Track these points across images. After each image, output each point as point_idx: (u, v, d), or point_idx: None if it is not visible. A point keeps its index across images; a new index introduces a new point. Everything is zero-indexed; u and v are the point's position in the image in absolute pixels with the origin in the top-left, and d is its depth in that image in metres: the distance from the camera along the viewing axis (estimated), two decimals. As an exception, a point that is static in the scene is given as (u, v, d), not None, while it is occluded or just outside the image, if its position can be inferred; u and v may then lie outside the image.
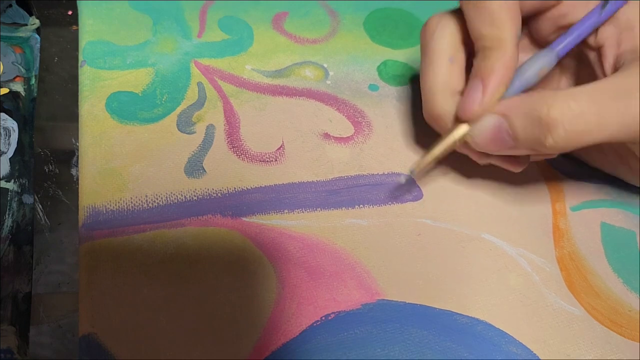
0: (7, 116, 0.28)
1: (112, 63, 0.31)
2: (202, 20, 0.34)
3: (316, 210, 0.27)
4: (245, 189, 0.27)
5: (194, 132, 0.29)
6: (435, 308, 0.25)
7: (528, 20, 0.28)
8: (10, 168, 0.27)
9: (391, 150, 0.30)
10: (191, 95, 0.30)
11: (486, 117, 0.24)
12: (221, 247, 0.25)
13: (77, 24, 0.32)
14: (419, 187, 0.29)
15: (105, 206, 0.26)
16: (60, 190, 0.27)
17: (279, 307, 0.24)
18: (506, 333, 0.25)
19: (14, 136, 0.28)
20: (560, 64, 0.28)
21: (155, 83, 0.30)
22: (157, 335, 0.23)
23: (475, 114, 0.25)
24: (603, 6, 0.25)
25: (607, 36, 0.26)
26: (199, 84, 0.31)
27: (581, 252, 0.28)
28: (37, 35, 0.32)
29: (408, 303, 0.25)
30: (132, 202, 0.26)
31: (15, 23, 0.32)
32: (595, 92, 0.23)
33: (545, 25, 0.27)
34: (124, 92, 0.30)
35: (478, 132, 0.25)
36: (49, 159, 0.28)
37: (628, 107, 0.22)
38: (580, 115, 0.22)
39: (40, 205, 0.27)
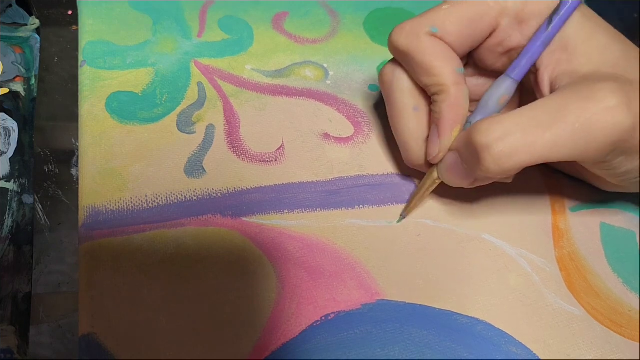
0: (7, 116, 0.28)
1: (112, 63, 0.31)
2: (202, 20, 0.34)
3: (316, 210, 0.27)
4: (245, 189, 0.27)
5: (194, 132, 0.29)
6: (435, 308, 0.25)
7: (469, 53, 0.27)
8: (10, 168, 0.27)
9: (391, 150, 0.30)
10: (191, 95, 0.30)
11: (447, 155, 0.25)
12: (221, 247, 0.25)
13: (77, 24, 0.32)
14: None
15: (105, 206, 0.26)
16: (60, 190, 0.27)
17: (279, 307, 0.24)
18: (506, 333, 0.25)
19: (14, 136, 0.28)
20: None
21: (155, 83, 0.30)
22: (157, 335, 0.23)
23: (437, 157, 0.26)
24: (549, 22, 0.24)
25: (542, 58, 0.25)
26: (199, 84, 0.31)
27: (581, 253, 0.28)
28: (37, 35, 0.32)
29: (408, 303, 0.25)
30: (132, 202, 0.26)
31: (15, 23, 0.32)
32: (522, 115, 0.22)
33: (486, 55, 0.27)
34: (124, 92, 0.30)
35: (442, 171, 0.26)
36: (49, 159, 0.28)
37: (555, 129, 0.22)
38: (504, 138, 0.22)
39: (40, 205, 0.27)
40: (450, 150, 0.25)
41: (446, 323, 0.25)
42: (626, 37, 0.26)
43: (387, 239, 0.27)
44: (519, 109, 0.23)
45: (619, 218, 0.30)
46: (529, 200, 0.30)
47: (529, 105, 0.23)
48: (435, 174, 0.26)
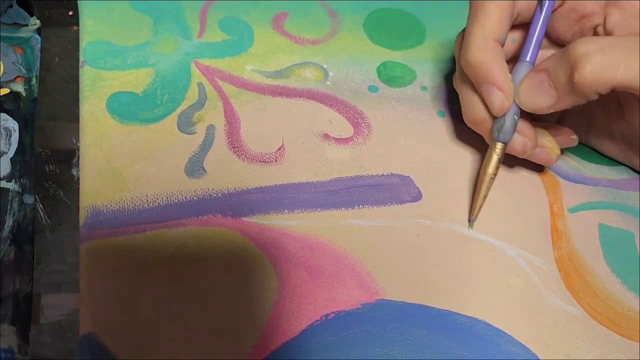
0: (7, 116, 0.28)
1: (112, 63, 0.31)
2: (203, 21, 0.34)
3: (316, 210, 0.27)
4: (245, 189, 0.27)
5: (195, 133, 0.29)
6: (435, 308, 0.25)
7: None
8: (11, 168, 0.27)
9: (390, 151, 0.30)
10: (191, 96, 0.30)
11: (529, 77, 0.26)
12: (221, 247, 0.25)
13: (77, 24, 0.33)
14: (418, 188, 0.29)
15: (106, 206, 0.26)
16: (61, 190, 0.27)
17: (279, 307, 0.24)
18: (505, 333, 0.25)
19: (15, 136, 0.28)
20: None
21: (156, 83, 0.30)
22: (158, 334, 0.23)
23: (504, 104, 0.27)
24: (540, 5, 0.27)
25: (615, 22, 0.27)
26: (199, 85, 0.31)
27: (579, 253, 0.28)
28: (37, 36, 0.32)
29: (407, 303, 0.25)
30: (132, 202, 0.26)
31: (16, 23, 0.32)
32: (621, 38, 0.24)
33: (559, 23, 0.28)
34: (125, 93, 0.30)
35: (523, 91, 0.26)
36: (50, 159, 0.28)
37: None
38: (606, 50, 0.23)
39: (41, 205, 0.27)
40: (535, 72, 0.26)
41: (445, 323, 0.25)
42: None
43: (387, 239, 0.27)
44: (615, 35, 0.25)
45: (618, 219, 0.30)
46: (527, 201, 0.30)
47: (624, 35, 0.25)
48: (490, 169, 0.27)
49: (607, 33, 0.27)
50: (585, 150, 0.33)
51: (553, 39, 0.29)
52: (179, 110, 0.30)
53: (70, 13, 0.34)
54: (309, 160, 0.29)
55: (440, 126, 0.32)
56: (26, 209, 0.26)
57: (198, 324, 0.23)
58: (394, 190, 0.29)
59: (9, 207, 0.26)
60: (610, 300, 0.27)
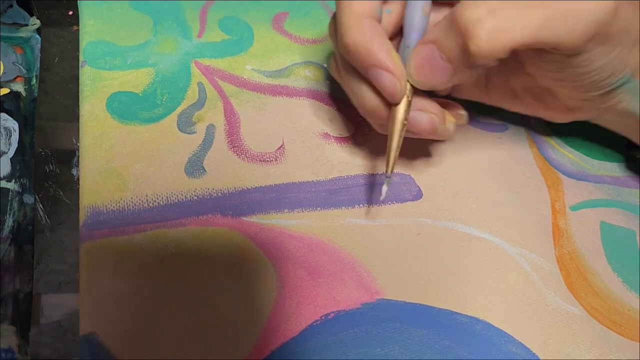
0: (7, 116, 0.29)
1: (112, 63, 0.31)
2: (203, 21, 0.34)
3: (316, 209, 0.27)
4: (245, 188, 0.27)
5: (195, 132, 0.29)
6: (435, 307, 0.25)
7: None
8: (11, 168, 0.27)
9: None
10: (191, 95, 0.30)
11: (416, 52, 0.24)
12: (221, 247, 0.25)
13: (77, 24, 0.33)
14: (418, 186, 0.29)
15: (106, 206, 0.26)
16: (61, 190, 0.27)
17: (279, 307, 0.24)
18: (505, 332, 0.25)
19: (15, 136, 0.28)
20: None
21: (156, 83, 0.30)
22: (157, 334, 0.23)
23: (397, 88, 0.24)
24: None
25: None
26: (199, 84, 0.31)
27: (581, 252, 0.28)
28: (37, 36, 0.32)
29: (408, 302, 0.25)
30: (132, 202, 0.26)
31: (16, 23, 0.32)
32: None
33: None
34: (125, 92, 0.30)
35: (413, 71, 0.24)
36: (50, 158, 0.28)
37: (547, 7, 0.21)
38: (497, 11, 0.21)
39: (41, 205, 0.27)
40: (421, 44, 0.24)
41: (446, 322, 0.25)
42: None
43: (387, 238, 0.27)
44: None
45: (619, 217, 0.30)
46: (528, 199, 0.30)
47: None
48: (399, 115, 0.24)
49: None
50: (588, 146, 0.33)
51: None
52: (179, 109, 0.30)
53: (70, 13, 0.34)
54: (309, 160, 0.29)
55: (441, 125, 0.32)
56: (26, 209, 0.26)
57: (198, 324, 0.23)
58: (395, 189, 0.29)
59: (9, 207, 0.26)
60: (611, 299, 0.27)
